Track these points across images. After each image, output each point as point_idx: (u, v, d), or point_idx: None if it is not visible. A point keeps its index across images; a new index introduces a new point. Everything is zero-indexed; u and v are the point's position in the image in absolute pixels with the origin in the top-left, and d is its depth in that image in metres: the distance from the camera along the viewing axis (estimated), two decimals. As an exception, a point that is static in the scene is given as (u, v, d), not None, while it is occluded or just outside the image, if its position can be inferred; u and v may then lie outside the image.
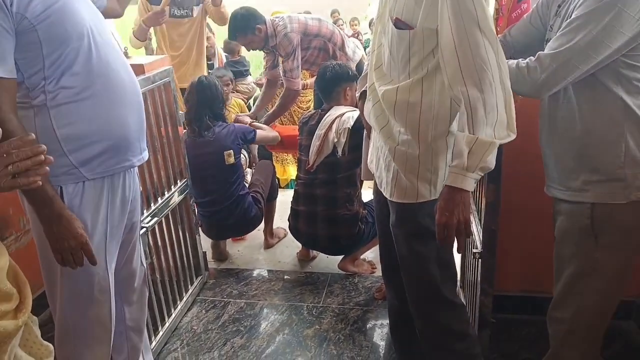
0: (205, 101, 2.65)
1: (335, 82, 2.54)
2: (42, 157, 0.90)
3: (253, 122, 3.08)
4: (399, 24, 1.31)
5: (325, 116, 2.52)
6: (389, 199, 1.51)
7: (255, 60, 6.26)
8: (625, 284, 1.46)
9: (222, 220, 2.73)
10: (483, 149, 1.22)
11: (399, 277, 1.61)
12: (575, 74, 1.30)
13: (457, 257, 2.39)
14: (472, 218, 1.89)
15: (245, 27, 2.91)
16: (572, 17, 1.29)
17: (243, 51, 4.88)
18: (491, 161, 1.24)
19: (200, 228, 2.79)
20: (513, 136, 1.26)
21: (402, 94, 1.37)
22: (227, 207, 2.70)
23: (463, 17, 1.20)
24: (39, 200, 1.26)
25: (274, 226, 3.04)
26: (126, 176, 1.49)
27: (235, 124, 2.83)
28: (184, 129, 2.64)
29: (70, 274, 1.41)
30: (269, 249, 2.97)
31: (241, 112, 3.80)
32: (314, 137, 2.51)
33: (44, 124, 1.29)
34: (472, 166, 1.22)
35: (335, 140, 2.44)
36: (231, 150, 2.65)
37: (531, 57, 1.35)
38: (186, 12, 3.26)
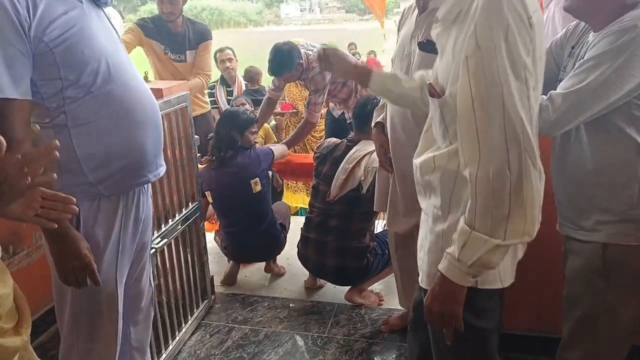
0: (222, 132, 2.71)
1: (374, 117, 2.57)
2: (56, 153, 0.91)
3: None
4: (430, 90, 1.17)
5: (354, 150, 2.51)
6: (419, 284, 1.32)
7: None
8: (638, 327, 1.43)
9: (251, 243, 2.78)
10: (478, 244, 1.03)
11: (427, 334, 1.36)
12: (586, 114, 1.30)
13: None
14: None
15: (290, 63, 2.94)
16: (585, 58, 1.31)
17: (262, 80, 4.96)
18: (494, 261, 1.05)
19: (224, 249, 2.84)
20: (528, 239, 1.07)
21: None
22: (257, 233, 2.75)
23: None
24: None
25: (282, 253, 3.04)
26: (141, 195, 1.52)
27: (256, 149, 2.87)
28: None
29: (81, 290, 1.42)
30: (276, 277, 2.96)
31: (265, 136, 3.83)
32: (340, 169, 2.50)
33: (64, 143, 1.31)
34: (464, 260, 1.05)
35: (362, 178, 2.44)
36: (257, 179, 2.68)
37: (543, 96, 1.36)
38: (179, 57, 3.28)
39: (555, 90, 1.35)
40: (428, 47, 1.65)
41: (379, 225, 2.91)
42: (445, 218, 1.17)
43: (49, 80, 1.29)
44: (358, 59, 2.93)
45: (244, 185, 2.67)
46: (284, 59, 2.95)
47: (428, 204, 1.24)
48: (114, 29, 1.47)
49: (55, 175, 0.92)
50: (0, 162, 0.87)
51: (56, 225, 0.95)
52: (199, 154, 2.47)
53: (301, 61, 2.96)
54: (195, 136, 2.36)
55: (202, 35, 3.26)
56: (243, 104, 3.51)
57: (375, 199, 2.22)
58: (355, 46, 8.35)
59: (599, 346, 1.42)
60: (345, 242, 2.49)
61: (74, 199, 0.95)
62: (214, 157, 2.72)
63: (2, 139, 0.87)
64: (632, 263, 1.35)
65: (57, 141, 0.94)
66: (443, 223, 1.17)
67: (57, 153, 0.92)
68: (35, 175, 0.90)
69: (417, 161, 1.26)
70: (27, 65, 1.24)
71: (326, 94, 3.05)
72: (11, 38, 1.19)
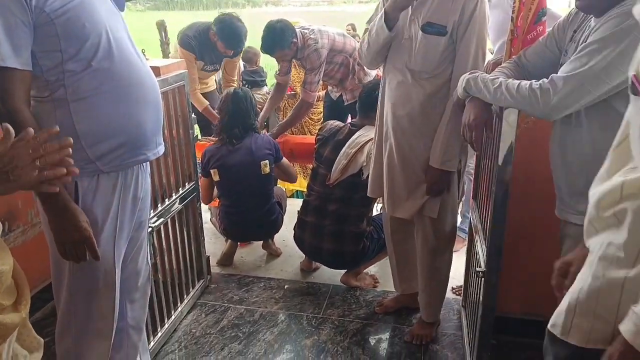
0: (239, 112, 2.70)
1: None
2: (70, 150, 0.92)
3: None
4: (635, 86, 1.04)
5: (357, 134, 2.49)
6: None
7: (273, 70, 6.32)
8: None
9: (252, 223, 2.81)
10: None
11: None
12: (587, 98, 1.30)
13: (461, 275, 2.39)
14: (478, 237, 1.89)
15: (283, 41, 2.91)
16: (587, 42, 1.30)
17: (261, 61, 4.92)
18: None
19: (223, 230, 2.85)
20: None
21: None
22: (261, 214, 2.78)
23: None
24: (44, 192, 1.27)
25: (278, 234, 3.05)
26: (139, 173, 1.52)
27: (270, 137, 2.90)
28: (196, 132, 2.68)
29: (79, 266, 1.42)
30: (272, 258, 2.97)
31: None
32: (341, 154, 2.48)
33: (64, 117, 1.31)
34: None
35: (364, 164, 2.42)
36: (267, 161, 2.71)
37: (544, 80, 1.36)
38: (214, 67, 3.46)
39: (557, 74, 1.35)
40: (432, 29, 1.73)
41: (375, 209, 2.91)
42: (631, 263, 0.90)
43: (50, 52, 1.28)
44: (358, 41, 2.90)
45: (255, 166, 2.69)
46: (276, 37, 2.92)
47: (600, 240, 0.96)
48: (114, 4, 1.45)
49: (64, 170, 0.91)
50: (11, 151, 0.86)
51: (58, 189, 0.94)
52: (197, 133, 2.46)
53: (295, 40, 2.93)
54: (193, 115, 2.34)
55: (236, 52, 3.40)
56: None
57: (369, 185, 2.22)
58: (353, 28, 8.26)
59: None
60: (342, 226, 2.50)
61: (71, 141, 0.95)
62: (227, 135, 2.71)
63: (11, 129, 0.87)
64: None
65: (70, 139, 0.95)
66: (627, 269, 0.91)
67: (70, 150, 0.93)
68: (46, 167, 0.90)
69: (597, 191, 0.99)
70: (28, 35, 1.23)
71: (322, 73, 3.02)
72: (13, 8, 1.18)
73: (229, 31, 3.07)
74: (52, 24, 1.24)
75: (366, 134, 2.48)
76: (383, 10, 1.82)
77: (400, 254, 2.28)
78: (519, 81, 1.42)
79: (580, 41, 1.36)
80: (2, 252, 1.02)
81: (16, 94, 1.22)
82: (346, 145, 2.49)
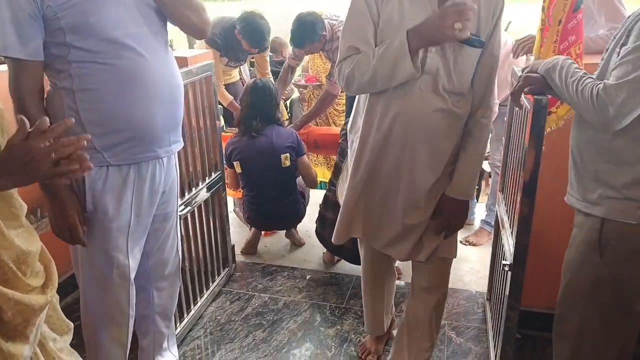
0: (258, 103, 2.70)
1: None
2: (85, 144, 0.93)
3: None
4: None
5: None
6: None
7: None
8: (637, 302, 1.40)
9: (274, 213, 2.82)
10: None
11: None
12: None
13: (487, 268, 2.37)
14: (505, 232, 1.87)
15: (313, 34, 2.88)
16: (628, 46, 1.22)
17: (287, 51, 4.91)
18: None
19: (247, 219, 2.89)
20: None
21: None
22: (283, 205, 2.80)
23: None
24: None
25: (302, 224, 3.07)
26: (156, 167, 1.53)
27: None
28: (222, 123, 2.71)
29: (91, 256, 1.48)
30: (295, 248, 2.99)
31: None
32: None
33: (70, 105, 1.36)
34: None
35: None
36: (288, 154, 2.70)
37: (600, 86, 1.24)
38: (239, 63, 3.53)
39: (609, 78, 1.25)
40: (476, 42, 1.38)
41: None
42: None
43: (56, 44, 1.33)
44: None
45: (275, 158, 2.69)
46: (306, 31, 2.89)
47: None
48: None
49: (77, 165, 0.93)
50: (27, 143, 0.88)
51: (69, 182, 0.97)
52: (222, 124, 2.48)
53: (324, 32, 2.91)
54: (219, 106, 2.36)
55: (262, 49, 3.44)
56: None
57: (337, 228, 1.74)
58: None
59: (593, 321, 1.41)
60: None
61: (89, 136, 0.97)
62: (246, 127, 2.72)
63: (25, 120, 0.88)
64: (628, 242, 1.34)
65: (89, 135, 0.97)
66: None
67: (86, 144, 0.94)
68: (61, 160, 0.91)
69: None
70: (37, 27, 1.29)
71: None
72: (21, 2, 1.25)
73: (251, 30, 3.09)
74: (56, 19, 1.29)
75: None
76: (403, 45, 1.38)
77: (381, 296, 1.98)
78: (592, 79, 1.28)
79: (622, 43, 1.28)
80: (31, 235, 1.05)
81: (22, 83, 1.31)
82: None
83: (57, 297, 1.19)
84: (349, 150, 1.75)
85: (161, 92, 1.46)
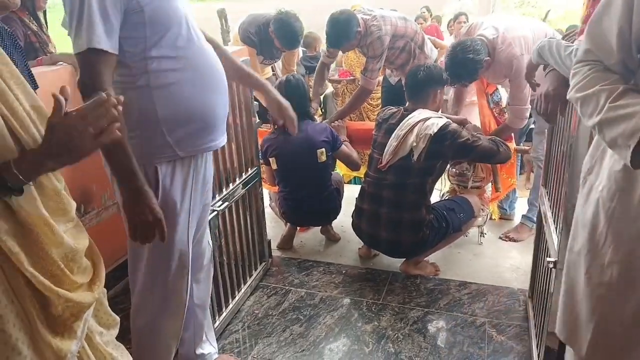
0: (291, 99, 2.68)
1: (427, 84, 2.50)
2: (114, 111, 0.91)
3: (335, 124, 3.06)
4: None
5: (408, 117, 2.46)
6: None
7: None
8: None
9: (310, 209, 2.83)
10: None
11: None
12: None
13: (529, 264, 2.31)
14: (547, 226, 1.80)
15: (349, 33, 2.85)
16: None
17: (321, 47, 4.90)
18: None
19: (283, 214, 2.91)
20: None
21: None
22: (318, 201, 2.81)
23: None
24: (123, 174, 1.32)
25: (337, 220, 3.06)
26: (207, 157, 1.57)
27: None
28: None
29: (158, 248, 1.49)
30: (331, 244, 2.99)
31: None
32: (392, 136, 2.46)
33: (147, 105, 1.36)
34: None
35: (414, 144, 2.38)
36: (323, 149, 2.70)
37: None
38: (274, 61, 3.62)
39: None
40: None
41: (434, 196, 2.85)
42: None
43: (135, 39, 1.33)
44: (420, 24, 2.83)
45: (311, 154, 2.69)
46: (341, 30, 2.85)
47: None
48: None
49: (119, 133, 0.92)
50: (67, 124, 0.88)
51: (119, 133, 0.95)
52: (258, 120, 2.49)
53: (359, 29, 2.88)
54: (255, 102, 2.37)
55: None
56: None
57: (559, 319, 1.27)
58: (428, 10, 7.74)
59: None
60: (400, 214, 2.45)
61: (114, 101, 0.93)
62: (280, 123, 2.72)
63: (62, 98, 0.88)
64: None
65: (122, 97, 0.95)
66: None
67: (120, 108, 0.92)
68: (101, 131, 0.90)
69: None
70: (119, 21, 1.28)
71: (384, 60, 2.97)
72: None
73: (285, 32, 3.12)
74: (141, 12, 1.30)
75: (418, 115, 2.44)
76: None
77: None
78: None
79: None
80: (79, 232, 1.07)
81: (105, 76, 1.27)
82: (397, 127, 2.46)
83: (105, 291, 1.21)
84: (578, 196, 1.24)
85: (220, 82, 1.51)
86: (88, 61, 1.26)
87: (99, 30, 1.23)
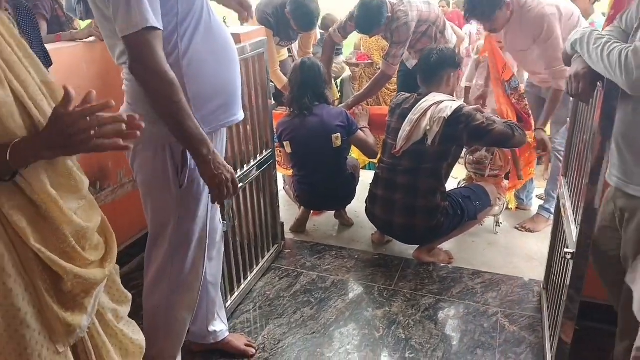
0: (307, 82, 2.68)
1: (440, 67, 2.45)
2: (123, 125, 0.90)
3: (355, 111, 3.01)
4: None
5: (422, 101, 2.42)
6: None
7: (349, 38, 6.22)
8: None
9: (324, 193, 2.83)
10: None
11: None
12: None
13: (544, 255, 2.28)
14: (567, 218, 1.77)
15: (381, 19, 2.79)
16: None
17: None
18: None
19: (297, 197, 2.90)
20: None
21: None
22: (333, 185, 2.80)
23: None
24: (197, 142, 1.34)
25: (350, 205, 3.05)
26: (223, 134, 1.60)
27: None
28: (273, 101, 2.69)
29: (182, 223, 1.54)
30: (344, 228, 2.98)
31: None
32: (406, 121, 2.42)
33: (178, 80, 1.34)
34: None
35: (428, 128, 2.34)
36: (338, 134, 2.67)
37: (630, 48, 1.23)
38: (290, 43, 3.55)
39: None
40: None
41: (451, 183, 2.82)
42: None
43: (169, 16, 1.32)
44: (442, 7, 2.76)
45: (326, 139, 2.67)
46: (374, 17, 2.78)
47: None
48: None
49: (121, 141, 0.90)
50: (70, 118, 0.86)
51: (132, 146, 0.93)
52: (273, 102, 2.47)
53: (389, 14, 2.82)
54: (271, 83, 2.35)
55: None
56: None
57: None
58: None
59: None
60: (413, 200, 2.43)
61: (125, 118, 0.92)
62: (298, 106, 2.71)
63: (71, 91, 0.86)
64: None
65: (137, 115, 0.93)
66: None
67: (124, 126, 0.90)
68: (102, 136, 0.89)
69: None
70: None
71: (407, 46, 2.92)
72: None
73: (301, 13, 3.05)
74: None
75: (431, 99, 2.40)
76: None
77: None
78: (619, 44, 1.29)
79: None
80: (91, 210, 1.07)
81: (161, 54, 1.26)
82: (411, 112, 2.42)
83: (117, 267, 1.22)
84: None
85: (235, 57, 1.54)
86: (144, 41, 1.24)
87: (147, 9, 1.22)
